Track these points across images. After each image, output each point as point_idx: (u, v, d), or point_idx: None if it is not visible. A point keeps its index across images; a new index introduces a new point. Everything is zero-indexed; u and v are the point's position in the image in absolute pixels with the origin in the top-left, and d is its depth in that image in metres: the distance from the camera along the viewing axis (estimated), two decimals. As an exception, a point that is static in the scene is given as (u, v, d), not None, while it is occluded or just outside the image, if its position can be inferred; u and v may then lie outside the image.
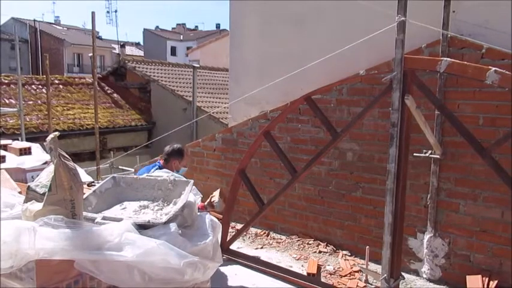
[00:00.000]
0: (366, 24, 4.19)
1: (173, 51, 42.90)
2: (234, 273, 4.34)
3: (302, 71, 4.41)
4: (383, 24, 3.52)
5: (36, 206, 1.82)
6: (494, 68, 2.93)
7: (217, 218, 2.89)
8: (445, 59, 3.25)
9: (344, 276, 4.39)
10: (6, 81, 12.45)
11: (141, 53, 41.12)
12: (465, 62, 3.35)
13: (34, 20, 32.64)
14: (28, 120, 10.91)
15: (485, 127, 3.98)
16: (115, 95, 14.52)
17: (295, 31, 5.40)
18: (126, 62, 14.89)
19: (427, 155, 4.20)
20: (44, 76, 11.67)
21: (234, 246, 4.85)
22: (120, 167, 9.87)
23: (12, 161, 4.43)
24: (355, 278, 4.34)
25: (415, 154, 4.17)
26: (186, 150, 4.38)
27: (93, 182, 4.53)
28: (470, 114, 4.03)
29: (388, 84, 3.33)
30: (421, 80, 3.43)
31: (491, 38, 3.86)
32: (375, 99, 3.68)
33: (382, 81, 3.38)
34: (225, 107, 9.78)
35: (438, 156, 4.18)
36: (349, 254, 4.89)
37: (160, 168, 4.03)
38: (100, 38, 39.53)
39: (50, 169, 1.88)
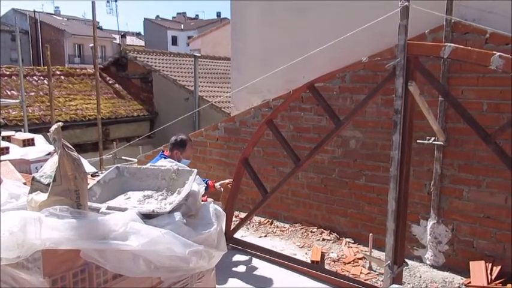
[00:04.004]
0: (368, 11, 4.15)
1: (174, 40, 42.66)
2: (238, 261, 4.37)
3: (304, 59, 4.38)
4: (386, 10, 3.49)
5: (41, 196, 1.82)
6: (498, 53, 2.91)
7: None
8: (449, 44, 3.22)
9: (348, 263, 4.42)
10: (7, 72, 12.44)
11: (142, 43, 40.93)
12: (469, 48, 3.32)
13: (34, 11, 32.48)
14: (30, 111, 10.91)
15: (489, 113, 3.96)
16: (117, 85, 14.49)
17: (297, 19, 5.35)
18: (127, 52, 14.83)
19: (430, 141, 4.19)
20: (45, 67, 11.66)
21: (238, 235, 4.88)
22: (123, 157, 9.88)
23: (16, 152, 4.43)
24: (358, 265, 4.37)
25: (418, 141, 4.16)
26: (191, 142, 4.38)
27: (96, 172, 4.55)
28: (474, 100, 4.01)
29: (391, 70, 3.30)
30: (425, 66, 3.40)
31: (495, 23, 3.82)
32: (378, 86, 3.65)
33: (385, 67, 3.36)
34: (227, 96, 9.75)
35: (442, 143, 4.16)
36: (353, 242, 4.91)
37: (165, 158, 4.04)
38: (100, 29, 39.37)
39: (54, 160, 1.87)
